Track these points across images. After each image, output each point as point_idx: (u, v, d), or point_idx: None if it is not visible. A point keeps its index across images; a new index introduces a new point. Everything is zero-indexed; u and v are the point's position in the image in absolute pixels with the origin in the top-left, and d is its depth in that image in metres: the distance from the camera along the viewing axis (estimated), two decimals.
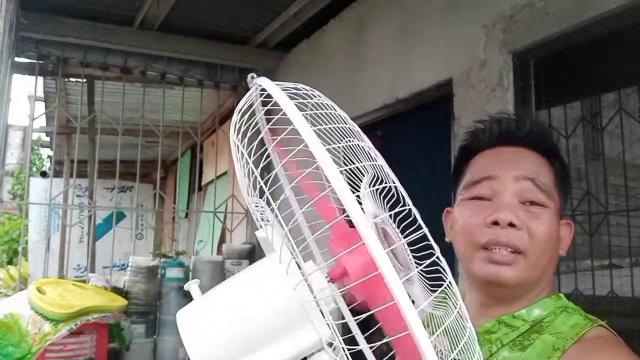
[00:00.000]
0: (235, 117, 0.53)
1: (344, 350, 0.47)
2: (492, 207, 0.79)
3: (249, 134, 0.53)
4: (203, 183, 6.39)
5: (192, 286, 0.56)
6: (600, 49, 2.08)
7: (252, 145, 0.53)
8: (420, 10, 2.89)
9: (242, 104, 0.53)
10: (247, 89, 0.54)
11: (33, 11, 3.64)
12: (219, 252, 4.92)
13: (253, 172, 0.51)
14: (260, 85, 0.51)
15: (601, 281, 2.11)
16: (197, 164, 6.15)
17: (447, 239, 0.88)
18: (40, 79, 4.31)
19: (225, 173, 5.06)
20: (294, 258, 0.50)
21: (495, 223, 0.78)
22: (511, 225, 0.77)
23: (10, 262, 8.78)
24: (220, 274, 4.01)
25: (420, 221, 0.50)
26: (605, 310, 2.01)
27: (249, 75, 0.54)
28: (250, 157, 0.51)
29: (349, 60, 3.50)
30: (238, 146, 0.53)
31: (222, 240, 5.34)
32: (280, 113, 0.46)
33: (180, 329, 0.51)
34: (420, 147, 2.92)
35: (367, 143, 0.50)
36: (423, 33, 2.86)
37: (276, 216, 0.51)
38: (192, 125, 4.83)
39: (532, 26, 2.19)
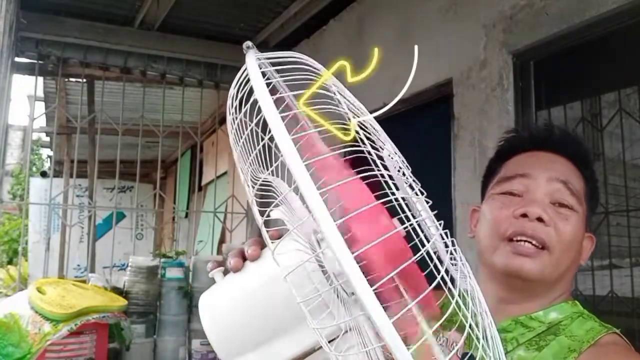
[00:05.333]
0: (232, 90, 0.49)
1: (366, 338, 0.47)
2: (523, 202, 0.80)
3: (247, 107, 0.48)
4: (203, 183, 6.39)
5: (216, 275, 0.56)
6: (600, 49, 2.08)
7: (260, 117, 0.45)
8: (420, 10, 2.88)
9: (239, 76, 0.49)
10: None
11: (33, 11, 3.64)
12: (219, 252, 4.92)
13: (261, 146, 0.48)
14: (259, 59, 0.47)
15: (601, 281, 2.11)
16: (197, 164, 6.15)
17: (469, 235, 0.90)
18: (40, 79, 4.30)
19: (225, 173, 5.05)
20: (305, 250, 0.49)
21: (524, 216, 0.79)
22: (539, 220, 0.78)
23: (10, 262, 8.77)
24: None
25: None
26: (605, 310, 2.01)
27: (244, 45, 0.49)
28: (254, 131, 0.47)
29: (348, 60, 3.50)
30: (240, 119, 0.49)
31: (222, 240, 5.34)
32: (270, 86, 0.42)
33: (202, 315, 0.50)
34: (420, 147, 2.91)
35: (367, 117, 0.47)
36: (423, 33, 2.86)
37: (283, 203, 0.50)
38: (192, 125, 4.83)
39: (532, 26, 2.19)
